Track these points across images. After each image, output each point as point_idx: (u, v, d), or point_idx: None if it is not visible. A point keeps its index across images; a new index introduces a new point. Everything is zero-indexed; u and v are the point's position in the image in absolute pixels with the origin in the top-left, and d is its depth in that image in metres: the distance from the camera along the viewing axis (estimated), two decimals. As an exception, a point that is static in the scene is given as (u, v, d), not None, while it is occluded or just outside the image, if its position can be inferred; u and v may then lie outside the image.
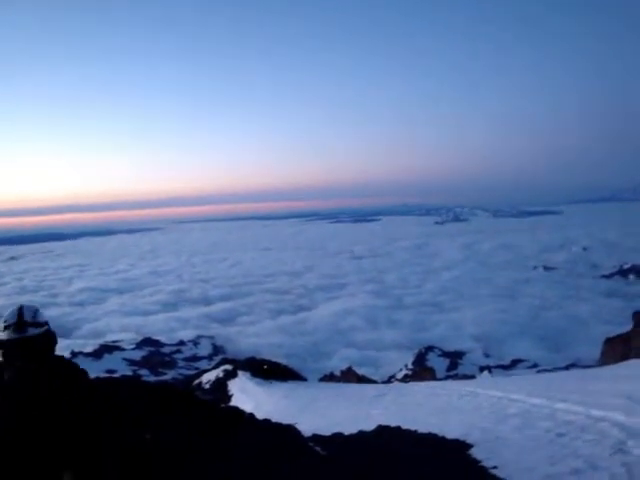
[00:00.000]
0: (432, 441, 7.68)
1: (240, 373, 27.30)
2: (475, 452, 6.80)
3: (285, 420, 9.39)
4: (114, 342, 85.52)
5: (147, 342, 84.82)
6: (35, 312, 3.32)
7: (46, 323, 3.36)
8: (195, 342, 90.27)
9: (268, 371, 27.12)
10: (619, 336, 25.24)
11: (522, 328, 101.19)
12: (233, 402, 21.11)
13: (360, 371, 40.53)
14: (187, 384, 32.78)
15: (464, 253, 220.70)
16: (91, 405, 3.37)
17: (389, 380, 52.78)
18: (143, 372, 67.31)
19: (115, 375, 46.93)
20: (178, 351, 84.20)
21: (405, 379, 52.34)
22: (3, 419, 3.14)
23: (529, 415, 8.14)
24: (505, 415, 8.55)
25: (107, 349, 77.75)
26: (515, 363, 71.42)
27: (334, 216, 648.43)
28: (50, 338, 3.38)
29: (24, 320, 3.24)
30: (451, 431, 7.94)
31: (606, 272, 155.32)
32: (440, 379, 41.05)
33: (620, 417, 6.89)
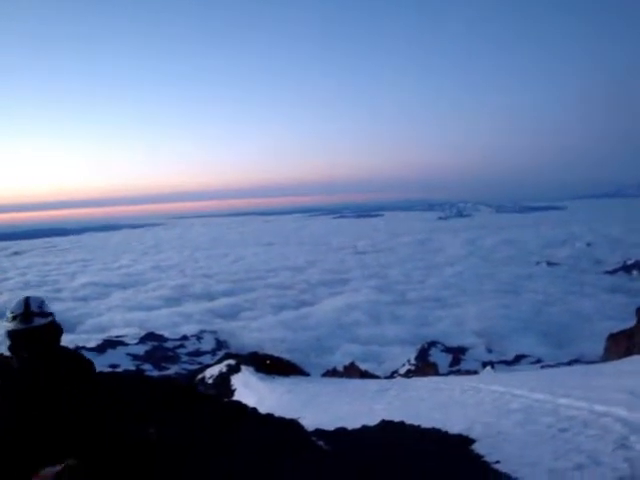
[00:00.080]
0: (435, 436, 7.68)
1: (243, 368, 27.33)
2: (478, 447, 6.80)
3: (288, 415, 9.40)
4: (117, 337, 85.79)
5: (150, 337, 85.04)
6: (41, 303, 3.38)
7: (52, 314, 3.42)
8: (198, 337, 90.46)
9: (271, 366, 27.15)
10: (623, 332, 25.15)
11: (525, 324, 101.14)
12: (236, 397, 21.14)
13: (363, 366, 40.56)
14: (190, 379, 32.80)
15: (467, 248, 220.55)
16: (95, 398, 3.40)
17: (392, 375, 52.72)
18: (146, 367, 67.48)
19: (118, 370, 47.07)
20: (181, 346, 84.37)
21: (408, 374, 52.36)
22: (9, 408, 3.17)
23: (532, 410, 8.14)
24: (508, 410, 8.55)
25: (110, 344, 77.98)
26: (518, 359, 71.35)
27: (337, 211, 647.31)
28: (56, 328, 3.44)
29: (31, 310, 3.30)
30: (454, 426, 7.94)
31: (610, 268, 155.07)
32: (443, 374, 41.10)
33: (623, 412, 6.88)
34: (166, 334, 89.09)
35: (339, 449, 7.33)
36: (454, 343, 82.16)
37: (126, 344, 79.68)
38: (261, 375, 25.28)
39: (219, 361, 33.99)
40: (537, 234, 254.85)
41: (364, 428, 8.80)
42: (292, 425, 8.44)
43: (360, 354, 75.73)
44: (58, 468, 3.09)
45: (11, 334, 3.29)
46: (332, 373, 37.61)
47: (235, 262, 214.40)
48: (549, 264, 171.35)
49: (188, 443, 6.39)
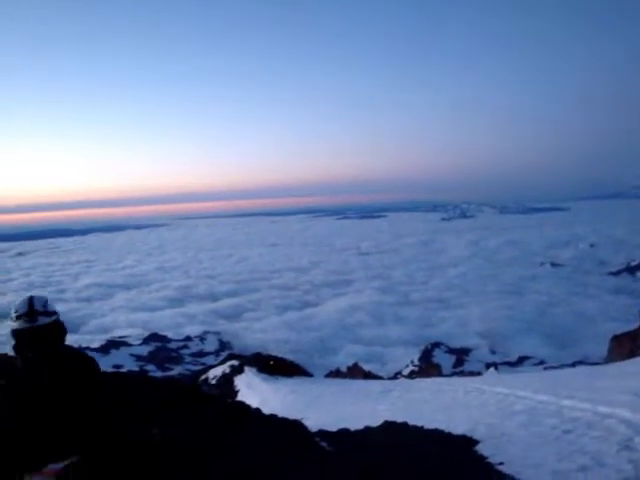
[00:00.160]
0: (438, 437, 7.67)
1: (246, 369, 27.37)
2: (481, 448, 6.79)
3: (291, 416, 9.41)
4: (121, 338, 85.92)
5: (154, 338, 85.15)
6: (45, 302, 3.38)
7: (56, 312, 3.42)
8: (202, 338, 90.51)
9: (274, 367, 27.20)
10: (627, 333, 25.12)
11: (529, 325, 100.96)
12: (239, 397, 21.15)
13: (366, 367, 40.62)
14: (194, 379, 32.87)
15: (470, 249, 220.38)
16: (99, 398, 3.40)
17: (395, 376, 52.71)
18: (150, 367, 67.57)
19: (122, 371, 47.13)
20: (185, 347, 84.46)
21: (411, 375, 52.32)
22: (10, 409, 3.17)
23: (535, 412, 8.12)
24: (511, 412, 8.54)
25: (114, 345, 78.10)
26: (521, 360, 71.32)
27: (341, 212, 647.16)
28: (60, 327, 3.44)
29: (35, 309, 3.29)
30: (457, 427, 7.93)
31: (613, 269, 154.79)
32: (446, 375, 41.03)
33: (627, 414, 6.86)
34: (169, 335, 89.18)
35: (342, 450, 7.34)
36: (457, 344, 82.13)
37: (130, 345, 79.80)
38: (264, 376, 25.30)
39: (222, 362, 34.08)
40: (541, 235, 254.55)
41: (367, 429, 8.80)
42: (295, 426, 8.45)
43: (363, 355, 75.75)
44: (61, 465, 3.10)
45: (15, 333, 3.29)
46: (335, 374, 37.68)
47: (239, 263, 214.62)
48: (553, 265, 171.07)
49: (192, 444, 6.40)
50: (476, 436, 7.34)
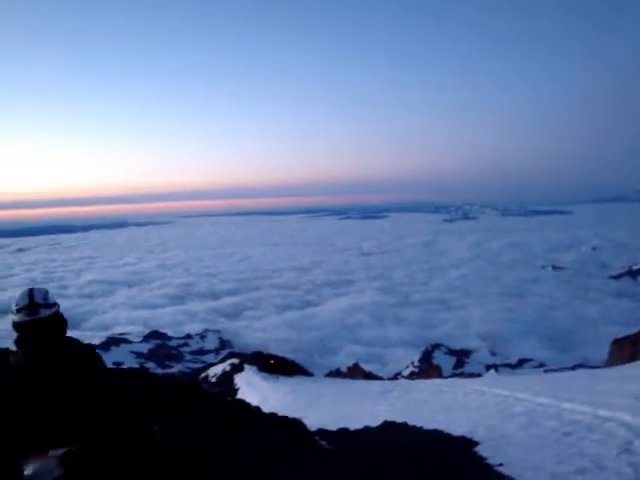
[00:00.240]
0: (438, 438, 7.68)
1: (247, 367, 27.36)
2: (481, 449, 6.80)
3: (291, 414, 9.40)
4: (121, 335, 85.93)
5: (154, 335, 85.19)
6: (45, 294, 3.39)
7: (56, 304, 3.44)
8: (202, 336, 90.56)
9: (274, 366, 27.19)
10: (627, 337, 25.12)
11: (529, 327, 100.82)
12: (239, 396, 21.16)
13: (366, 368, 40.64)
14: (194, 377, 32.88)
15: (472, 251, 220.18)
16: (100, 397, 3.39)
17: (395, 377, 52.79)
18: (150, 365, 67.57)
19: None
20: (185, 344, 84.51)
21: (411, 376, 52.37)
22: (10, 407, 3.18)
23: (535, 414, 8.12)
24: (511, 414, 8.54)
25: (114, 342, 78.13)
26: (522, 362, 71.24)
27: (343, 212, 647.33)
28: (61, 319, 3.44)
29: (35, 302, 3.30)
30: (457, 428, 7.93)
31: (615, 272, 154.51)
32: (446, 377, 40.97)
33: (627, 417, 6.86)
34: (170, 332, 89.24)
35: (342, 449, 7.35)
36: (458, 346, 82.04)
37: (130, 342, 79.83)
38: (264, 374, 25.30)
39: (223, 360, 34.04)
40: (543, 238, 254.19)
41: (367, 429, 8.81)
42: (295, 424, 8.46)
43: (364, 355, 75.72)
44: (62, 451, 3.11)
45: (17, 326, 3.30)
46: (336, 374, 37.67)
47: (241, 261, 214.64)
48: (554, 268, 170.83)
49: (192, 442, 6.41)
50: (476, 437, 7.34)
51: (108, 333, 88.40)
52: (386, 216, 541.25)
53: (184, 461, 5.80)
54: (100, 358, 3.58)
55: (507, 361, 73.26)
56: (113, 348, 74.17)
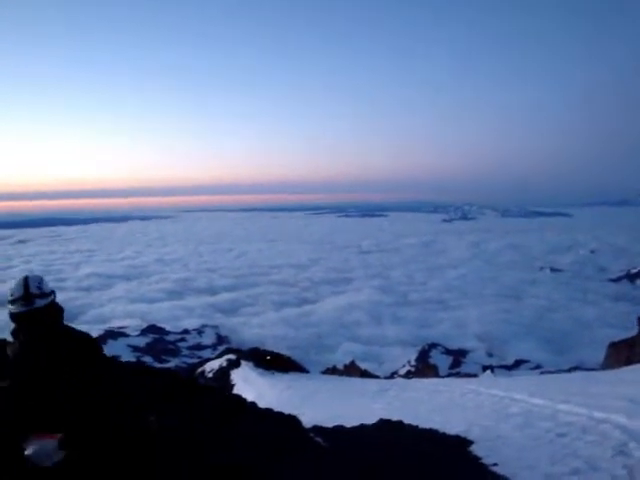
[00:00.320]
0: (433, 437, 7.69)
1: (243, 363, 27.33)
2: (476, 449, 6.82)
3: (287, 411, 9.40)
4: (119, 328, 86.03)
5: (152, 329, 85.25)
6: (40, 282, 3.37)
7: (52, 292, 3.41)
8: (199, 331, 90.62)
9: (271, 362, 27.15)
10: (624, 341, 25.10)
11: (526, 329, 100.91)
12: (235, 391, 21.08)
13: (363, 366, 40.57)
14: (190, 372, 32.83)
15: (471, 251, 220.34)
16: (98, 388, 3.38)
17: (392, 376, 52.72)
18: (147, 359, 67.64)
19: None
20: (182, 339, 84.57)
21: (408, 375, 52.40)
22: (7, 401, 3.17)
23: (530, 415, 8.14)
24: (506, 414, 8.55)
25: (112, 335, 78.22)
26: (518, 364, 71.32)
27: (342, 210, 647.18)
28: (57, 308, 3.43)
29: (30, 292, 3.28)
30: (452, 428, 7.94)
31: (613, 276, 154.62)
32: (443, 377, 40.99)
33: (622, 419, 6.88)
34: (167, 327, 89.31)
35: (337, 446, 7.35)
36: (455, 346, 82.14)
37: (127, 335, 79.95)
38: (261, 370, 25.27)
39: (219, 355, 34.01)
40: (542, 239, 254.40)
41: (362, 426, 8.81)
42: (291, 420, 8.46)
43: (360, 353, 75.69)
44: (60, 435, 3.12)
45: (13, 317, 3.30)
46: (332, 371, 37.61)
47: (239, 257, 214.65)
48: (553, 270, 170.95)
49: (188, 434, 6.41)
50: (471, 437, 7.36)
51: (106, 326, 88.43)
52: (385, 215, 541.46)
53: (180, 452, 5.80)
54: (99, 347, 3.54)
55: (503, 362, 73.35)
56: (110, 341, 74.17)
